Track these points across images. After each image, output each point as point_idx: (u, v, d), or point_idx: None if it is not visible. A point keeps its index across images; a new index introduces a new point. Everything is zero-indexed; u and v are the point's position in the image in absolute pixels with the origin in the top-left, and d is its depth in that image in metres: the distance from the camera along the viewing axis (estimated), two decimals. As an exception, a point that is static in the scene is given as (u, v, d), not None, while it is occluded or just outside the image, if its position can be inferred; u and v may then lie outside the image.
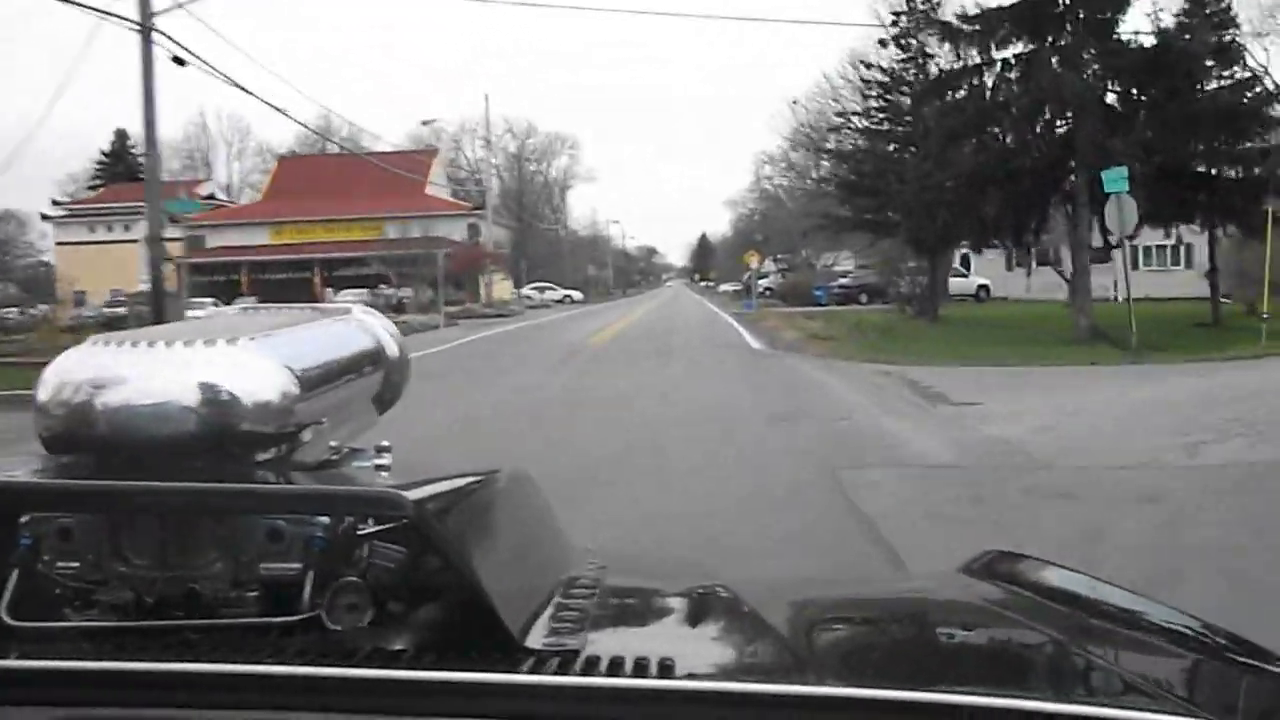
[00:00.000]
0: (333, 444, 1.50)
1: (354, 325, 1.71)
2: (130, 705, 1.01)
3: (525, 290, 74.29)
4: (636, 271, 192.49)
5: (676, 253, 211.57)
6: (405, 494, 1.16)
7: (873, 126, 34.10)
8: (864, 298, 51.62)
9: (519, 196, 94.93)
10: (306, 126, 59.30)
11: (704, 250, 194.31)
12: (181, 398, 1.28)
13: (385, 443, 1.46)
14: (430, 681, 1.03)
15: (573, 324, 43.01)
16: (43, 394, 1.33)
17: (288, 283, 59.76)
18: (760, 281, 68.99)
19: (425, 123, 70.81)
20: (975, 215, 26.23)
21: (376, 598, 1.23)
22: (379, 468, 1.40)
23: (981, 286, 51.55)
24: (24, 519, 1.24)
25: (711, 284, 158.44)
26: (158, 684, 1.02)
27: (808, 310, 44.85)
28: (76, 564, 1.25)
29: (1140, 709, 1.06)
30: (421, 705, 1.01)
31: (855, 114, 35.35)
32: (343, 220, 64.87)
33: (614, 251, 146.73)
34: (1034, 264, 48.79)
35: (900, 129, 33.25)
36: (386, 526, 1.30)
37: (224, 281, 62.38)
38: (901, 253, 36.91)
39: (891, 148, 33.68)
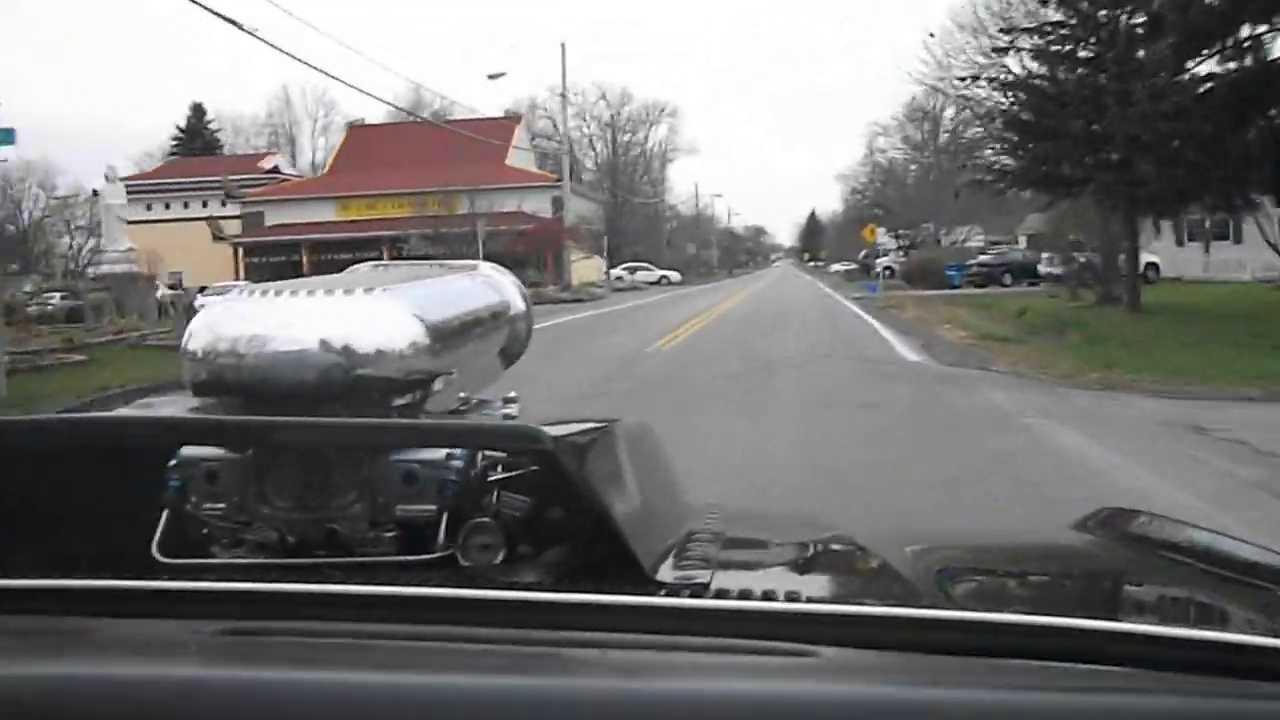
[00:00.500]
0: (462, 395, 1.56)
1: (480, 280, 1.78)
2: (282, 619, 1.03)
3: (617, 271, 66.12)
4: (743, 251, 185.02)
5: (785, 232, 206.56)
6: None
7: (1050, 47, 25.12)
8: (1008, 278, 43.39)
9: (612, 168, 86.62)
10: (387, 102, 51.92)
11: (813, 229, 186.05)
12: (320, 345, 1.36)
13: (512, 393, 1.58)
14: (570, 603, 1.03)
15: (656, 312, 34.45)
16: (190, 341, 1.41)
17: (354, 263, 52.69)
18: (879, 260, 60.83)
19: (492, 76, 62.98)
20: (1239, 153, 17.32)
21: (509, 538, 1.27)
22: (507, 417, 1.49)
23: (1150, 265, 42.16)
24: (172, 463, 1.30)
25: (821, 263, 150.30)
26: (310, 602, 1.05)
27: (944, 294, 36.46)
28: (222, 505, 1.30)
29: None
30: (560, 622, 1.01)
31: (1025, 31, 26.37)
32: (412, 194, 57.55)
33: (718, 230, 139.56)
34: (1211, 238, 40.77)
35: (1089, 48, 24.22)
36: (516, 473, 1.32)
37: (283, 262, 55.73)
38: (1083, 217, 27.94)
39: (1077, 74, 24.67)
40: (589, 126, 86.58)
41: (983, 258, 48.78)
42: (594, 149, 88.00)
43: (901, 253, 66.09)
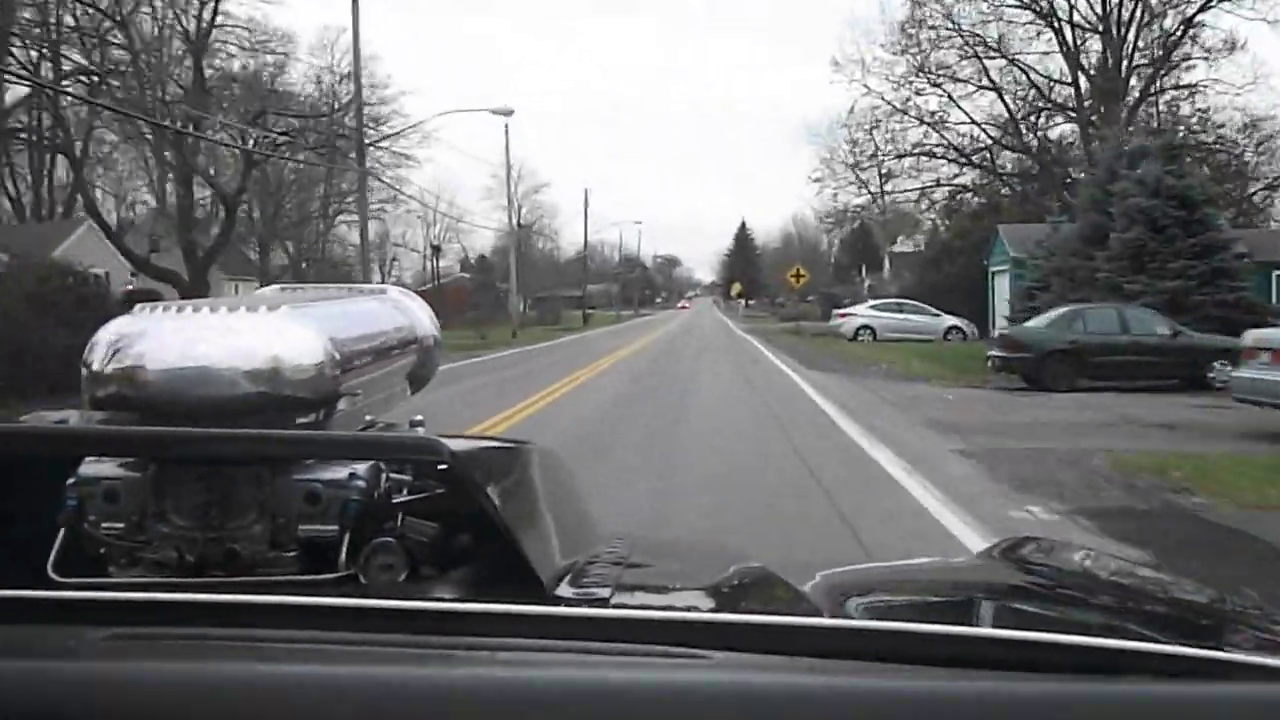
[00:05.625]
0: (368, 418, 1.57)
1: (389, 304, 1.78)
2: (173, 626, 1.03)
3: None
4: (644, 285, 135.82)
5: (704, 268, 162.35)
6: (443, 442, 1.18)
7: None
8: None
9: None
10: None
11: (743, 250, 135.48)
12: (224, 362, 1.34)
13: (419, 417, 1.56)
14: (461, 611, 1.04)
15: None
16: (91, 356, 1.39)
17: None
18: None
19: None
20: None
21: (411, 558, 1.25)
22: None
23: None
24: (70, 480, 1.27)
25: (750, 304, 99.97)
26: (200, 611, 1.05)
27: None
28: (121, 524, 1.28)
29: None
30: (451, 628, 1.01)
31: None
32: None
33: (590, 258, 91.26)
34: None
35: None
36: (420, 496, 1.32)
37: None
38: None
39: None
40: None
41: None
42: None
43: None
